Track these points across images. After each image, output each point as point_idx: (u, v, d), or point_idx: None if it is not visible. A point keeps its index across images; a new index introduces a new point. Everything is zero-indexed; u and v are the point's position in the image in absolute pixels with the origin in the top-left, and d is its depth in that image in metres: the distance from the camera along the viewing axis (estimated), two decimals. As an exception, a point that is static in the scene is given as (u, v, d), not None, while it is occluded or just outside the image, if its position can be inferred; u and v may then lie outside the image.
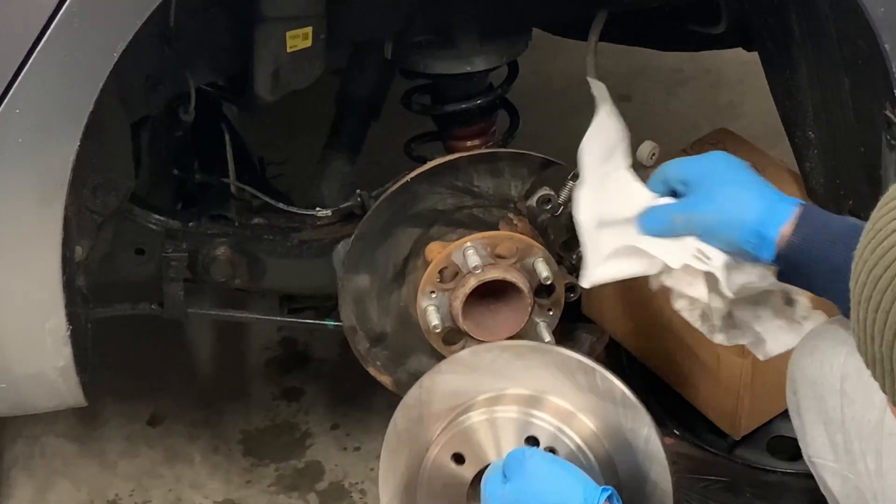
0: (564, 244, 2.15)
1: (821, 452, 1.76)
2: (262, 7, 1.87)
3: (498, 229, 2.05)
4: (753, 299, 1.75)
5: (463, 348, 2.07)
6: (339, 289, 2.08)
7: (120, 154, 1.95)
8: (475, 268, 1.97)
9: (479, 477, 1.80)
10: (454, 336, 2.07)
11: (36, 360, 1.81)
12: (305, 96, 2.07)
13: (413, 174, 2.02)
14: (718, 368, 2.25)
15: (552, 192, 2.07)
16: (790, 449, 2.35)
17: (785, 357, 1.80)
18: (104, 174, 1.90)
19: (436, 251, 2.02)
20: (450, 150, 2.19)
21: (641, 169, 2.15)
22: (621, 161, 1.84)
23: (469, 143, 2.19)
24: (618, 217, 1.77)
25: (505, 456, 1.71)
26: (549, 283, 2.02)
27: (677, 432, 2.33)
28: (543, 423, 1.82)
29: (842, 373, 1.69)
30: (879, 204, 1.20)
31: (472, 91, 2.16)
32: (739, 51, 2.35)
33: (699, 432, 2.34)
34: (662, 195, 1.76)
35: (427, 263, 2.02)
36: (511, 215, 2.07)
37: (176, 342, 2.81)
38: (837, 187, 2.12)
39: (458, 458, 1.84)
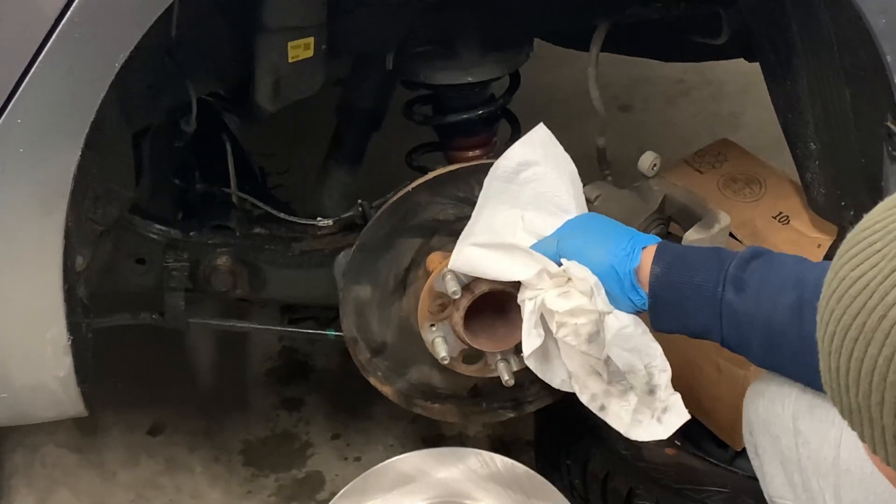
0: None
1: (781, 492, 1.75)
2: (264, 17, 1.88)
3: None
4: (624, 382, 1.82)
5: (485, 365, 2.07)
6: (340, 299, 2.07)
7: (121, 164, 1.95)
8: (454, 293, 1.96)
9: None
10: (472, 357, 2.07)
11: (37, 370, 1.81)
12: (307, 106, 2.07)
13: (414, 184, 2.02)
14: (719, 380, 2.24)
15: (553, 203, 2.07)
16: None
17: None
18: (105, 184, 1.90)
19: (437, 261, 2.01)
20: (451, 161, 2.19)
21: (643, 179, 2.16)
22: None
23: (470, 154, 2.19)
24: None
25: None
26: None
27: (678, 443, 2.33)
28: None
29: (793, 411, 1.68)
30: (839, 251, 1.18)
31: (473, 101, 2.16)
32: (741, 61, 2.36)
33: (700, 443, 2.34)
34: None
35: (428, 274, 2.02)
36: (512, 226, 2.06)
37: (176, 352, 2.81)
38: (839, 198, 2.12)
39: None
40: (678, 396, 1.83)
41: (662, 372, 1.82)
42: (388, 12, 2.02)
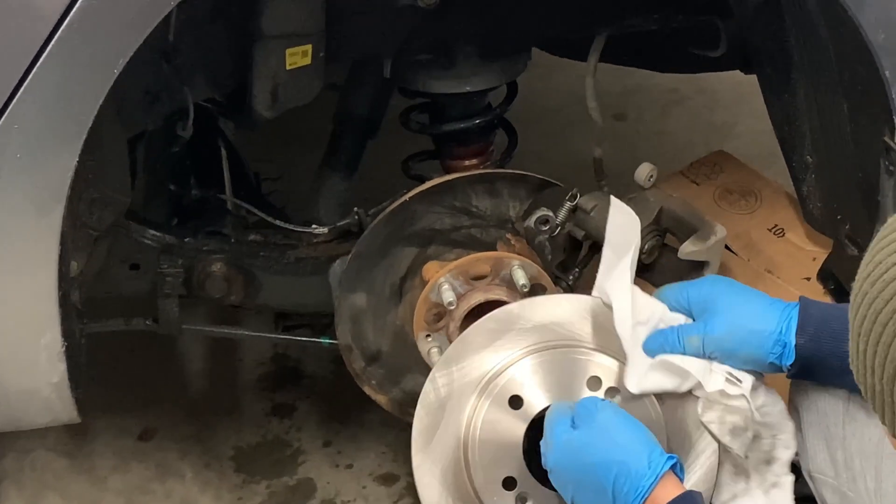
0: (561, 265, 2.15)
1: (821, 468, 1.76)
2: (263, 24, 1.87)
3: (496, 249, 2.04)
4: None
5: None
6: (335, 307, 2.07)
7: (117, 169, 1.94)
8: (449, 304, 1.96)
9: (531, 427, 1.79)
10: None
11: (30, 376, 1.80)
12: (303, 111, 2.06)
13: (411, 193, 2.01)
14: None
15: (550, 213, 2.07)
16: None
17: (772, 375, 1.80)
18: (101, 189, 1.90)
19: (433, 271, 2.01)
20: (447, 170, 2.19)
21: (639, 190, 2.16)
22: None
23: (467, 163, 2.18)
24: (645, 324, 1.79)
25: (573, 400, 1.74)
26: (526, 289, 1.99)
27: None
28: (604, 363, 1.80)
29: (848, 390, 1.69)
30: (878, 236, 1.20)
31: (470, 111, 2.16)
32: (735, 71, 2.36)
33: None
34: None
35: (424, 283, 2.01)
36: (509, 235, 2.06)
37: (168, 356, 2.79)
38: (834, 211, 2.12)
39: (516, 402, 1.80)
40: (792, 478, 1.81)
41: (786, 448, 1.80)
42: (386, 20, 2.02)
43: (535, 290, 2.00)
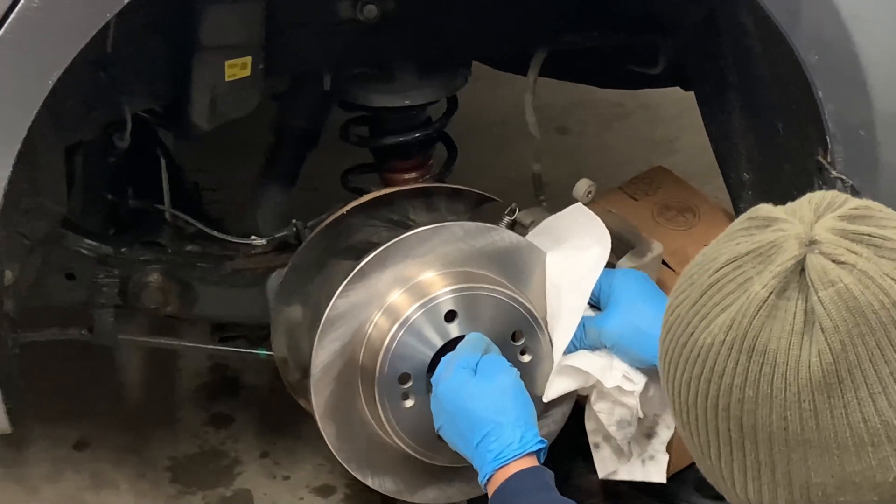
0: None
1: None
2: (201, 36, 1.87)
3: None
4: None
5: None
6: (271, 319, 2.06)
7: (52, 179, 1.93)
8: None
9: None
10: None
11: (-39, 386, 1.79)
12: (245, 121, 2.06)
13: (349, 207, 2.01)
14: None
15: (487, 228, 2.07)
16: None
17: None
18: (36, 199, 1.88)
19: (369, 284, 2.01)
20: (386, 183, 2.19)
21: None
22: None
23: (406, 176, 2.19)
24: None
25: (483, 352, 1.84)
26: None
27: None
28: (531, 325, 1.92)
29: None
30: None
31: (409, 125, 2.16)
32: (677, 87, 2.38)
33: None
34: None
35: (360, 296, 2.01)
36: (446, 250, 2.07)
37: (105, 366, 2.77)
38: (769, 229, 2.14)
39: (451, 316, 1.89)
40: (667, 457, 1.98)
41: (667, 428, 1.97)
42: (325, 33, 2.02)
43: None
